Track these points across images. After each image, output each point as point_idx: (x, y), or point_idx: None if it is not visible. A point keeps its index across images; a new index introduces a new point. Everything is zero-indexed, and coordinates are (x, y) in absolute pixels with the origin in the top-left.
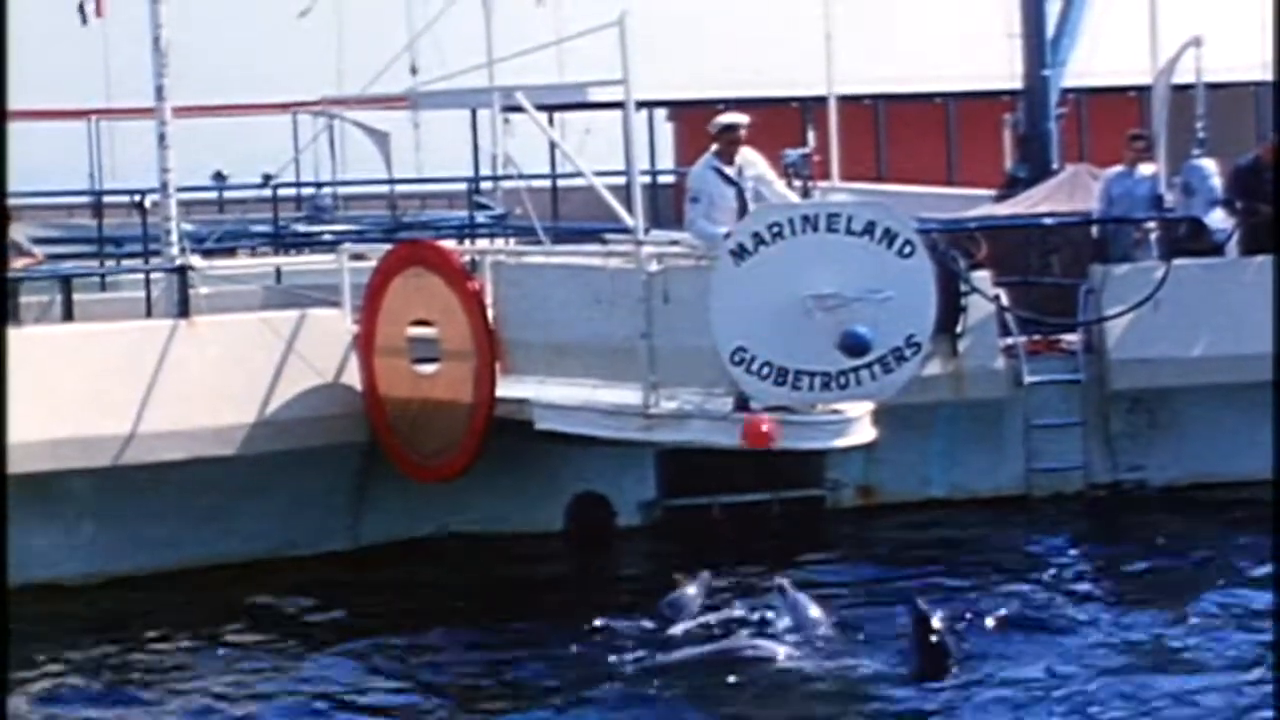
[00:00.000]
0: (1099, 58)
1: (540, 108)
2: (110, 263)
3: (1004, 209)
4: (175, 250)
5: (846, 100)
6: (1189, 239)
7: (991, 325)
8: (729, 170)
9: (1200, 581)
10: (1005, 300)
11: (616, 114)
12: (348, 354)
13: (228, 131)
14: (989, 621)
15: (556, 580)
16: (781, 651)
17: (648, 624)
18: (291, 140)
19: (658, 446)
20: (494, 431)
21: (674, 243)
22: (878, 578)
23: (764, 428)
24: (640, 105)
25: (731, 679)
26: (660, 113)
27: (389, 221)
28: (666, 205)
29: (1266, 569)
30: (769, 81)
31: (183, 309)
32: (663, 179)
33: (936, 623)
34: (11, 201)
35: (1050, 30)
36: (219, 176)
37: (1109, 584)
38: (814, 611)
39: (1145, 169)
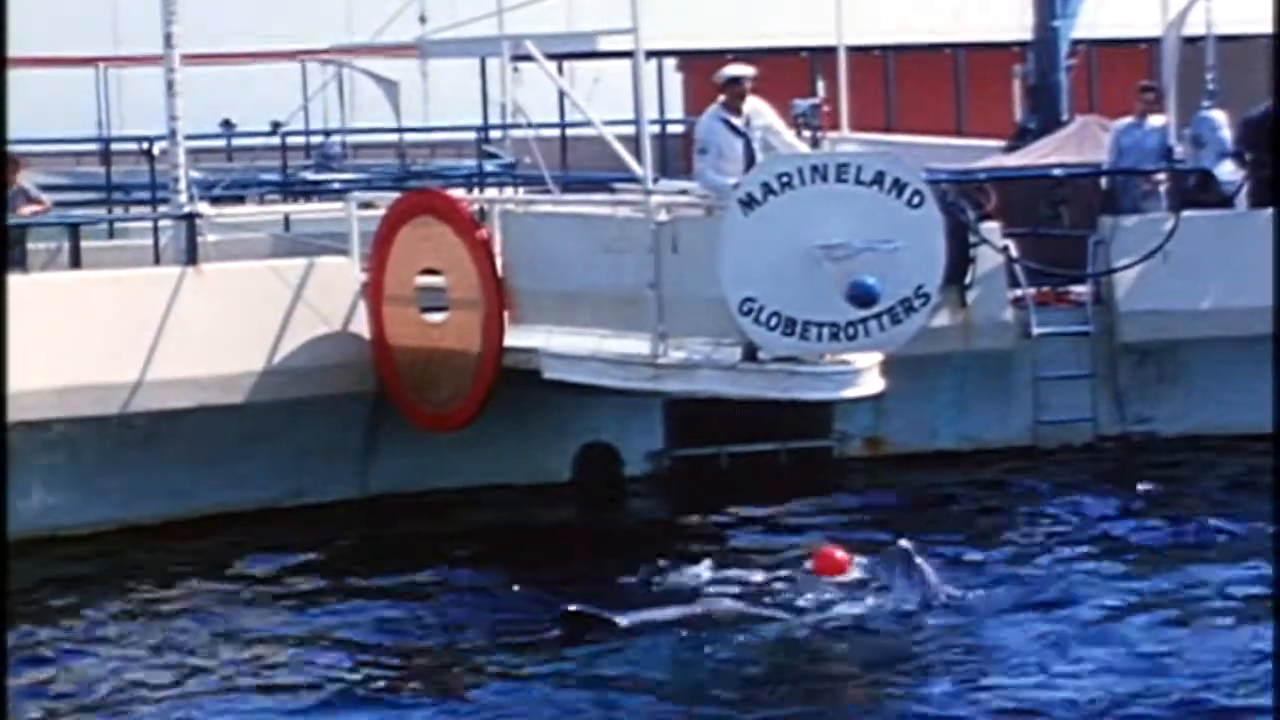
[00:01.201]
0: (1109, 9)
1: (550, 57)
2: (118, 210)
3: (1013, 160)
4: (183, 198)
5: (856, 50)
6: (1198, 191)
7: (1000, 276)
8: (736, 121)
9: (1204, 534)
10: (1014, 251)
11: (626, 63)
12: (356, 302)
13: (236, 79)
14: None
15: (563, 530)
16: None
17: (646, 576)
18: (300, 88)
19: (666, 396)
20: (502, 381)
21: (683, 192)
22: (884, 528)
23: (838, 555)
24: (650, 55)
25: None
26: (670, 62)
27: (397, 170)
28: (675, 155)
29: (1270, 518)
30: (779, 31)
31: (190, 257)
32: (672, 129)
33: (919, 559)
34: (20, 148)
35: None
36: (227, 124)
37: (1114, 535)
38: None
39: (1155, 120)
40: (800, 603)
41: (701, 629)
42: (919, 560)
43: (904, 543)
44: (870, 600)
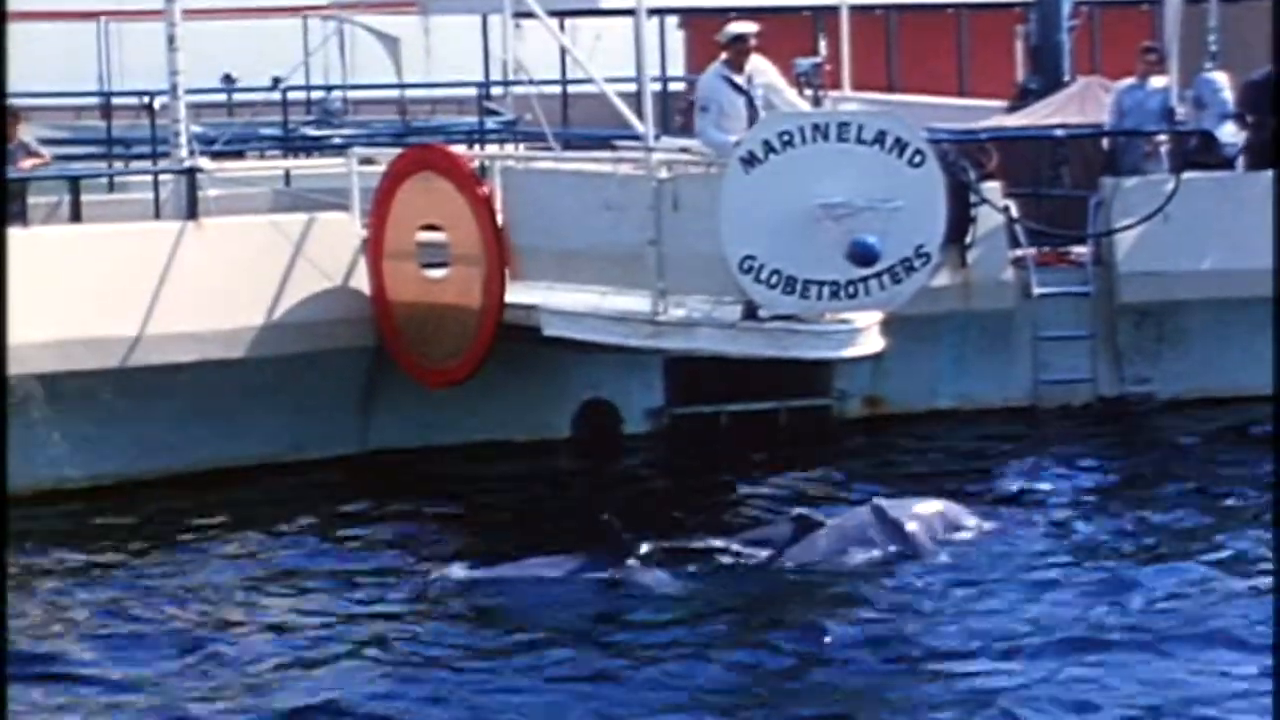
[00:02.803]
0: None
1: (551, 13)
2: (118, 164)
3: (1015, 120)
4: (184, 152)
5: (858, 10)
6: (1200, 152)
7: (1001, 236)
8: (738, 79)
9: (1202, 496)
10: (1015, 212)
11: (628, 21)
12: (356, 258)
13: (237, 34)
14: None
15: (563, 487)
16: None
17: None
18: (301, 44)
19: (665, 354)
20: (502, 337)
21: (684, 150)
22: (883, 486)
23: None
24: (652, 12)
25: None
26: (671, 20)
27: (399, 126)
28: (676, 113)
29: (1269, 481)
30: None
31: (191, 211)
32: (673, 86)
33: (894, 515)
34: (20, 102)
35: None
36: (228, 79)
37: (1111, 495)
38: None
39: (1157, 82)
40: (798, 559)
41: (699, 588)
42: (893, 516)
43: (878, 500)
44: (863, 555)
